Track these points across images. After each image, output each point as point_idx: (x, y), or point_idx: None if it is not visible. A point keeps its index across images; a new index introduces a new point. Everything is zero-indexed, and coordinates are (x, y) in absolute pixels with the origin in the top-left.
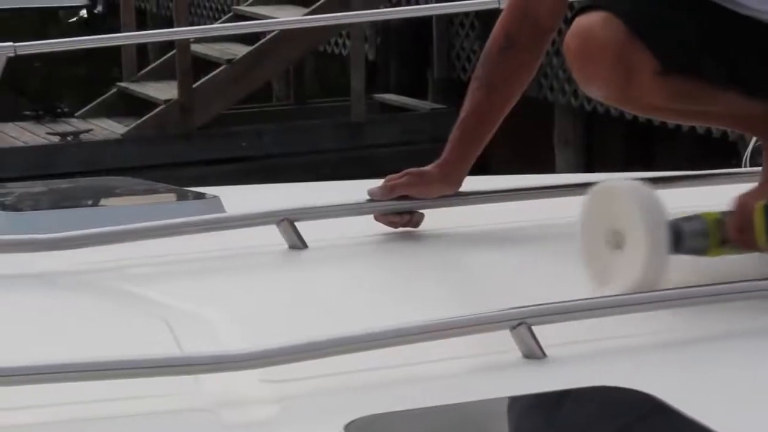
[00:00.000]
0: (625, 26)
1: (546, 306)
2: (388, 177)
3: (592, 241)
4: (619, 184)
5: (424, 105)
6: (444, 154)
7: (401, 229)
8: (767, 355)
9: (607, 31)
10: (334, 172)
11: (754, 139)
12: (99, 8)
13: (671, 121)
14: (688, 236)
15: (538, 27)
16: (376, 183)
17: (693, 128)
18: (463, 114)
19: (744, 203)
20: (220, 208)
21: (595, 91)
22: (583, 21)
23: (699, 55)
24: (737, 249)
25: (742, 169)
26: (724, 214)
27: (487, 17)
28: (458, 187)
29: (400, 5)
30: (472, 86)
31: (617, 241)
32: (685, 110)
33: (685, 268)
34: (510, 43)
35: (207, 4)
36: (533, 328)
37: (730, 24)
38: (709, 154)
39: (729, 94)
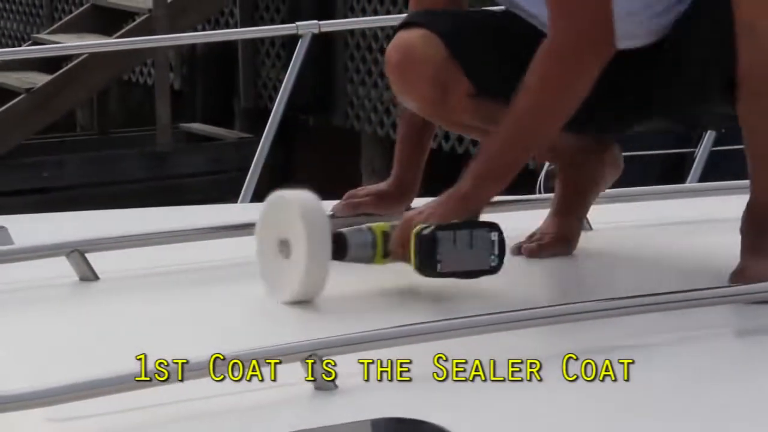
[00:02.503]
0: (444, 46)
1: (337, 337)
2: (349, 193)
3: (265, 251)
4: (286, 194)
5: (230, 134)
6: (394, 172)
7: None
8: (560, 385)
9: (427, 49)
10: (140, 202)
11: (546, 165)
12: None
13: (480, 139)
14: (353, 246)
15: None
16: (175, 211)
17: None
18: (401, 131)
19: (407, 220)
20: (7, 239)
21: (411, 103)
22: (404, 35)
23: (511, 82)
24: (399, 260)
25: (536, 196)
26: (392, 227)
27: (293, 46)
28: (412, 200)
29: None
30: None
31: (286, 250)
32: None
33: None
34: None
35: (5, 32)
36: (324, 359)
37: None
38: (513, 181)
39: None
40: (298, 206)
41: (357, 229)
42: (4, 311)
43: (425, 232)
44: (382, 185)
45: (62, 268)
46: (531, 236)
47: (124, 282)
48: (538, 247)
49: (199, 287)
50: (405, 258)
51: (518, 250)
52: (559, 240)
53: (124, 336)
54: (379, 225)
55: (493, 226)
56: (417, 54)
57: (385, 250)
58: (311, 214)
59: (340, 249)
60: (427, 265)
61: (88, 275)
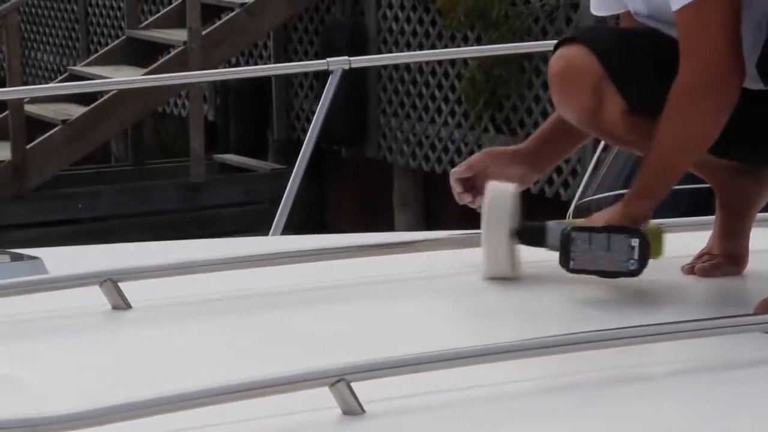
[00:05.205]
0: (599, 65)
1: (364, 362)
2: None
3: (486, 234)
4: (493, 184)
5: (264, 165)
6: (526, 141)
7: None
8: (593, 412)
9: (587, 62)
10: (174, 233)
11: (575, 199)
12: None
13: (634, 151)
14: (551, 236)
15: None
16: (207, 243)
17: (528, 188)
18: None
19: (592, 220)
20: (42, 269)
21: (568, 111)
22: (565, 50)
23: (664, 101)
24: None
25: None
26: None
27: (325, 78)
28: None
29: (238, 66)
30: None
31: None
32: (648, 145)
33: None
34: None
35: (42, 64)
36: (352, 384)
37: None
38: (545, 212)
39: None
40: (494, 194)
41: (558, 222)
42: (39, 338)
43: (566, 230)
44: (505, 147)
45: (95, 297)
46: (700, 256)
47: (157, 311)
48: (711, 267)
49: (230, 316)
50: None
51: (690, 270)
52: (730, 260)
53: (155, 363)
54: (576, 220)
55: (635, 233)
56: (577, 65)
57: None
58: (501, 201)
59: (538, 237)
60: (563, 260)
61: (121, 304)
